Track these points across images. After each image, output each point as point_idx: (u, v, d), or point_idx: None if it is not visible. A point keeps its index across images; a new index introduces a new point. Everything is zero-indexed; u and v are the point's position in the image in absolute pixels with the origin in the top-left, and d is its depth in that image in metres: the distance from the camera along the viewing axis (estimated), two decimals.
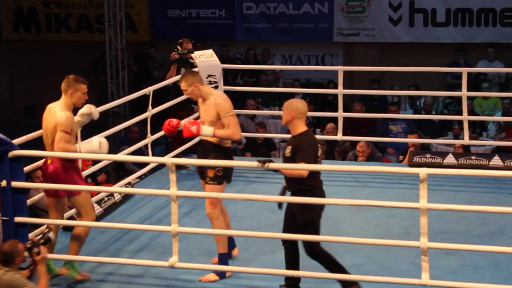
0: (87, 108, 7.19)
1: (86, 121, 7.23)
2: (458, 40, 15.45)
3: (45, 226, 7.16)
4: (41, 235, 6.56)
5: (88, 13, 17.69)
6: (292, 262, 6.58)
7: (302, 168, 6.22)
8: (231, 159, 7.19)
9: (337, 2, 15.98)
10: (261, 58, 16.16)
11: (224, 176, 7.00)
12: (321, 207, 6.48)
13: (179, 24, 16.83)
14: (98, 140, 6.97)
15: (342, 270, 6.40)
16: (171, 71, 10.21)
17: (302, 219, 6.40)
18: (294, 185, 6.37)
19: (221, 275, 6.90)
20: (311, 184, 6.35)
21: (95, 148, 6.93)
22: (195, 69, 10.06)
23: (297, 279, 6.62)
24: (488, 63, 14.90)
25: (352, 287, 6.44)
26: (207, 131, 6.93)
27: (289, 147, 6.39)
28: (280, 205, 6.74)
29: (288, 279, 6.63)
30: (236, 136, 7.00)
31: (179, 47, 10.22)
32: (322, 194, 6.44)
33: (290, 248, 6.60)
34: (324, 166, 6.76)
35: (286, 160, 6.40)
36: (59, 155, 6.86)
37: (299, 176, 6.25)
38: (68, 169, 6.96)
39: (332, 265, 6.43)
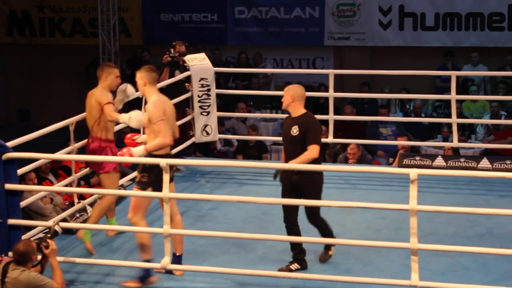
0: (122, 85, 7.77)
1: (123, 98, 7.81)
2: (447, 44, 15.48)
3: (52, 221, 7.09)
4: (47, 229, 6.49)
5: (82, 17, 17.66)
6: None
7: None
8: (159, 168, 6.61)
9: (328, 6, 15.98)
10: (253, 61, 16.15)
11: (148, 183, 6.72)
12: (322, 179, 6.87)
13: (172, 28, 16.81)
14: (129, 115, 7.32)
15: (331, 235, 6.96)
16: (164, 74, 10.19)
17: (308, 190, 6.77)
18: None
19: (143, 281, 6.75)
20: (316, 161, 6.77)
21: (124, 119, 7.35)
22: (187, 73, 10.06)
23: (303, 252, 6.94)
24: (472, 67, 14.93)
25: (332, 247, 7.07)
26: (139, 153, 6.69)
27: (296, 127, 6.79)
28: (275, 175, 6.89)
29: (294, 252, 6.93)
30: (167, 141, 6.71)
31: (171, 50, 10.20)
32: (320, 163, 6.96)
33: (293, 226, 6.90)
34: (315, 167, 6.74)
35: (294, 139, 6.77)
36: (51, 157, 6.89)
37: (313, 159, 6.67)
38: (105, 148, 7.57)
39: (326, 230, 6.96)
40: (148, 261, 6.75)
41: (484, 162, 9.70)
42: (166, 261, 6.63)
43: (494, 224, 7.90)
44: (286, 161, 6.85)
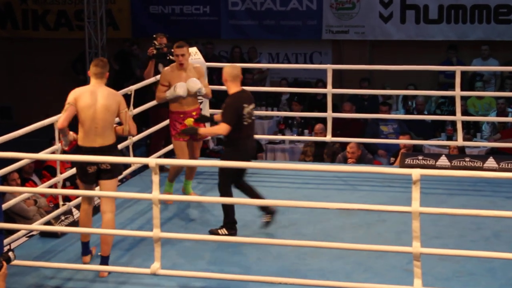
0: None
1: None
2: (451, 37, 15.49)
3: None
4: (3, 253, 6.50)
5: (67, 9, 17.65)
6: (251, 193, 7.75)
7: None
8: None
9: None
10: (247, 56, 16.15)
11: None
12: (240, 158, 7.52)
13: (161, 21, 16.80)
14: (175, 85, 8.31)
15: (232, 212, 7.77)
16: (149, 68, 10.18)
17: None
18: (225, 137, 7.72)
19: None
20: (235, 137, 7.61)
21: (171, 91, 8.35)
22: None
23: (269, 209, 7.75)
24: (482, 61, 14.93)
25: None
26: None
27: (223, 105, 7.71)
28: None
29: (263, 209, 7.76)
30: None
31: (155, 42, 10.23)
32: (245, 145, 7.70)
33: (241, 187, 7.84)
34: (313, 167, 6.75)
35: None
36: (34, 157, 6.89)
37: (220, 134, 7.81)
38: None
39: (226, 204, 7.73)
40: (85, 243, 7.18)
41: (490, 162, 9.71)
42: (156, 266, 6.62)
43: (501, 227, 7.90)
44: None
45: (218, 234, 7.70)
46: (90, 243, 7.30)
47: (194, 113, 8.54)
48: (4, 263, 6.25)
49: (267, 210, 7.76)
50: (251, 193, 7.80)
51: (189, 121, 8.35)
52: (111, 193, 7.10)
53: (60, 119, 7.02)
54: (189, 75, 8.54)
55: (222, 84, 8.50)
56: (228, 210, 7.75)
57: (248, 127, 7.72)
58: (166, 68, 8.74)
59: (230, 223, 7.76)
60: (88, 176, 7.08)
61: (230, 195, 7.71)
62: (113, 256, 7.39)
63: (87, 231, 7.23)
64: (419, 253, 6.18)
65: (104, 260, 7.07)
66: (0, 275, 6.22)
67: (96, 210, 8.26)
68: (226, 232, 7.72)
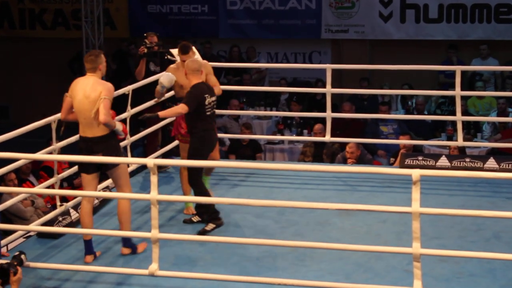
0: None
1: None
2: (451, 37, 15.51)
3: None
4: (14, 257, 6.52)
5: (64, 8, 17.65)
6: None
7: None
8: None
9: None
10: (246, 55, 16.16)
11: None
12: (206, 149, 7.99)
13: (159, 20, 16.82)
14: (161, 74, 8.54)
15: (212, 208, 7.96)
16: (140, 67, 10.21)
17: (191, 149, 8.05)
18: (188, 126, 8.07)
19: (134, 249, 7.46)
20: (199, 127, 7.94)
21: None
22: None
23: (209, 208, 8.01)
24: (482, 61, 14.95)
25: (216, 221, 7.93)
26: None
27: (185, 94, 8.05)
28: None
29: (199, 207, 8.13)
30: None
31: (146, 41, 10.26)
32: (210, 136, 8.05)
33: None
34: (312, 167, 6.76)
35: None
36: (32, 157, 6.85)
37: (179, 115, 8.15)
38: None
39: (202, 195, 7.87)
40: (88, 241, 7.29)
41: (491, 162, 9.72)
42: (154, 267, 6.63)
43: (501, 228, 7.91)
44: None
45: (207, 231, 7.87)
46: (92, 242, 7.33)
47: None
48: (19, 268, 6.28)
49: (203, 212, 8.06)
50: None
51: None
52: (109, 194, 7.10)
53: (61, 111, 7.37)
54: None
55: (220, 84, 8.55)
56: (207, 204, 7.95)
57: (210, 118, 8.04)
58: (172, 66, 8.75)
59: (213, 215, 7.95)
60: (86, 164, 7.21)
61: (202, 186, 7.94)
62: (111, 257, 7.41)
63: (84, 231, 7.25)
64: (419, 254, 6.19)
65: (126, 238, 7.38)
66: (15, 280, 6.26)
67: (95, 210, 8.30)
68: (214, 225, 7.91)
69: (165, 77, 8.48)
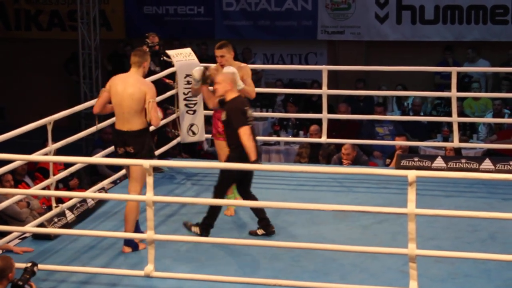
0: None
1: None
2: (448, 38, 15.53)
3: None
4: (25, 270, 6.51)
5: (60, 9, 17.65)
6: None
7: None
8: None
9: None
10: (242, 57, 16.15)
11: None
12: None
13: (155, 21, 16.81)
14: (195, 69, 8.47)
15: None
16: None
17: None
18: (227, 140, 7.88)
19: (135, 247, 7.49)
20: (239, 141, 7.63)
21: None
22: (172, 69, 10.08)
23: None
24: (470, 64, 14.97)
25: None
26: None
27: (224, 113, 7.79)
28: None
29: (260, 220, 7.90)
30: None
31: (147, 41, 10.30)
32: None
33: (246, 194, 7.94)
34: (308, 169, 6.77)
35: (224, 122, 7.82)
36: (27, 159, 6.89)
37: (252, 142, 7.64)
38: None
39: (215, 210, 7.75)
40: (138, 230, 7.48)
41: (487, 163, 9.73)
42: (150, 269, 6.64)
43: (497, 229, 7.93)
44: None
45: (257, 234, 7.86)
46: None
47: None
48: (33, 285, 6.29)
49: (264, 223, 7.88)
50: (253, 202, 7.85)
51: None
52: (105, 195, 7.10)
53: (95, 104, 7.67)
54: None
55: None
56: (215, 211, 7.77)
57: (252, 130, 7.75)
58: (213, 67, 8.75)
59: (207, 225, 7.78)
60: (118, 157, 7.53)
61: (222, 198, 7.76)
62: (107, 258, 7.42)
63: (77, 233, 7.26)
64: (415, 254, 6.20)
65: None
66: None
67: (91, 211, 8.33)
68: (263, 231, 7.86)
69: (195, 71, 8.43)
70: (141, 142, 7.42)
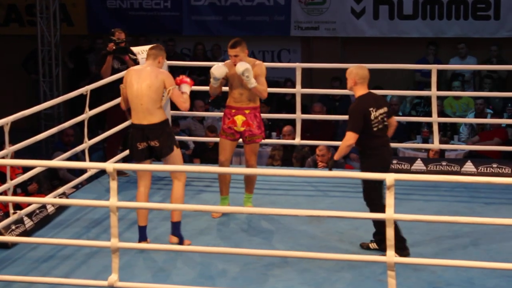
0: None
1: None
2: (427, 34, 15.57)
3: None
4: None
5: (18, 3, 17.52)
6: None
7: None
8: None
9: None
10: (211, 54, 16.15)
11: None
12: (380, 166, 7.26)
13: (119, 17, 16.74)
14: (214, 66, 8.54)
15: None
16: (107, 64, 10.18)
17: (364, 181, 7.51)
18: (357, 147, 7.60)
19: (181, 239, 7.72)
20: (369, 146, 7.43)
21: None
22: (137, 66, 10.03)
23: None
24: (460, 60, 15.04)
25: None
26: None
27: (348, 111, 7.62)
28: (330, 168, 7.63)
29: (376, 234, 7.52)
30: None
31: (114, 38, 10.25)
32: (382, 153, 7.46)
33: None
34: (281, 172, 6.77)
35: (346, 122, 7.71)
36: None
37: (350, 146, 7.49)
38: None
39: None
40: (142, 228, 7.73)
41: (468, 166, 9.78)
42: (114, 278, 6.60)
43: (479, 235, 7.97)
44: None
45: (369, 248, 7.66)
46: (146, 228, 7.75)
47: (247, 111, 8.59)
48: None
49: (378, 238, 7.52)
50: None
51: (239, 119, 8.52)
52: (66, 201, 7.05)
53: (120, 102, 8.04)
54: None
55: None
56: (380, 225, 7.13)
57: (381, 132, 7.54)
58: (227, 61, 8.77)
59: (399, 244, 7.00)
60: (139, 152, 7.67)
61: (383, 209, 6.54)
62: (68, 267, 7.37)
63: (36, 241, 7.20)
64: (394, 262, 6.21)
65: (175, 225, 7.71)
66: None
67: (50, 218, 8.28)
68: (376, 247, 7.57)
69: (216, 68, 8.51)
70: (165, 134, 7.64)
